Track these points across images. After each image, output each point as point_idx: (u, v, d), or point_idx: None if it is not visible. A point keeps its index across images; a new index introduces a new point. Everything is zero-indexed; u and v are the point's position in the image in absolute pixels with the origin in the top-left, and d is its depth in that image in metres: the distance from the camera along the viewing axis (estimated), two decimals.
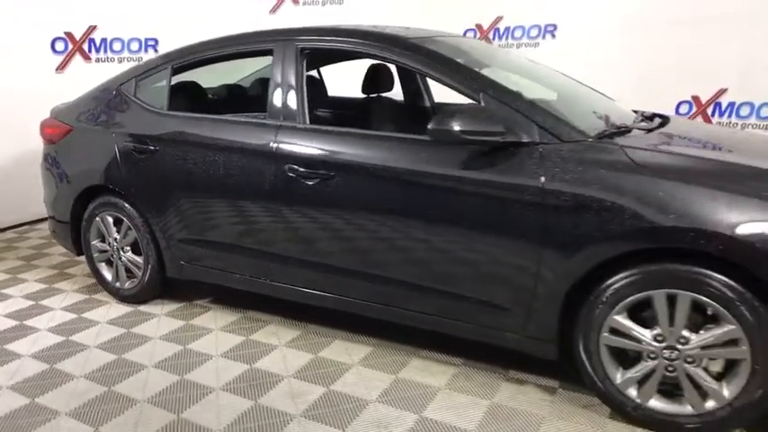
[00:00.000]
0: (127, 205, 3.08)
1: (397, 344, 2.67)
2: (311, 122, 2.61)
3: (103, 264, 3.33)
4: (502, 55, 3.12)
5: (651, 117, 2.76)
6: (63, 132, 3.30)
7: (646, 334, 2.00)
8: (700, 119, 5.37)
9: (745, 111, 5.20)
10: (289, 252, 2.65)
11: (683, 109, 5.53)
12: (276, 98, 2.64)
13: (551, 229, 2.05)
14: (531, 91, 2.48)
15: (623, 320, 2.02)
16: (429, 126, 2.09)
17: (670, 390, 2.03)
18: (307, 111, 2.61)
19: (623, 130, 2.27)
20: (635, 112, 2.94)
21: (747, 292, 1.81)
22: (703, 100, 5.38)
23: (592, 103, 2.77)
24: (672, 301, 1.93)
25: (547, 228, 2.05)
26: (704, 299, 1.87)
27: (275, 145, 2.57)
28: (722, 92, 5.28)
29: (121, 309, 3.22)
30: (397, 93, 3.69)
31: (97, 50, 5.29)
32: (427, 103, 3.66)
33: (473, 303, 2.27)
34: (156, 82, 3.07)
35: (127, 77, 3.16)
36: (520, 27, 6.34)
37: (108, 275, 3.31)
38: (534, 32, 6.28)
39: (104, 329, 2.97)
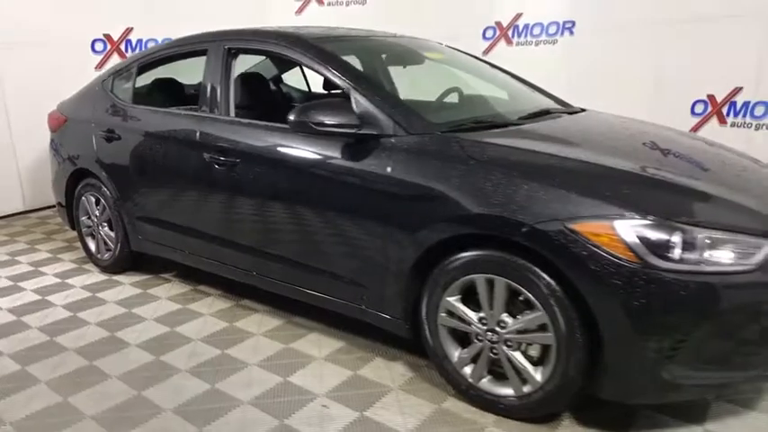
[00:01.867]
0: (102, 187, 3.53)
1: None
2: (241, 116, 2.88)
3: (89, 237, 3.82)
4: (432, 52, 3.24)
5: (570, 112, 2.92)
6: (61, 122, 3.83)
7: (473, 317, 2.11)
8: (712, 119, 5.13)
9: (759, 110, 4.93)
10: (211, 230, 2.97)
11: (699, 108, 5.30)
12: (206, 92, 2.97)
13: (395, 215, 2.21)
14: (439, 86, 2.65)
15: (455, 302, 2.14)
16: (289, 117, 2.31)
17: (502, 372, 2.13)
18: (232, 103, 2.91)
19: (487, 124, 2.37)
20: (565, 105, 3.01)
21: (552, 280, 1.88)
22: (719, 99, 5.13)
23: (502, 99, 2.86)
24: (492, 286, 2.03)
25: (392, 213, 2.22)
26: (515, 285, 1.97)
27: (198, 134, 2.89)
28: (737, 90, 5.01)
29: (99, 277, 3.69)
30: None
31: (132, 50, 5.90)
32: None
33: (341, 281, 2.47)
34: (126, 79, 3.50)
35: (108, 74, 3.63)
36: (539, 24, 6.31)
37: (93, 248, 3.80)
38: (553, 29, 6.24)
39: (76, 292, 3.44)
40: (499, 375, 2.13)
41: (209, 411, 2.22)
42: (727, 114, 5.14)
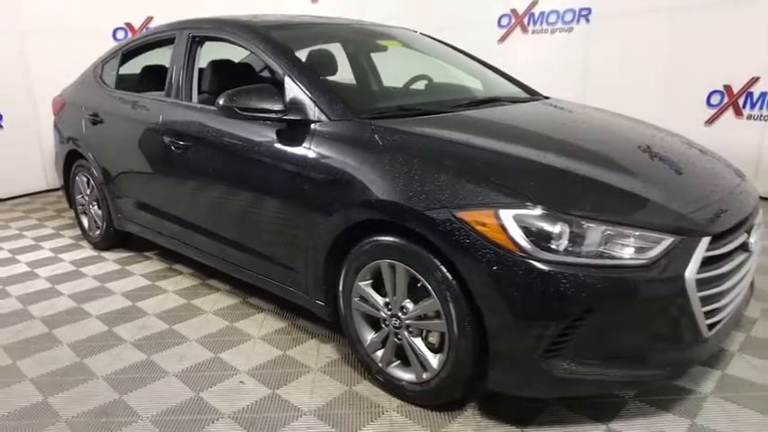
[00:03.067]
0: (90, 167, 3.73)
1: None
2: (209, 102, 2.95)
3: (83, 216, 4.05)
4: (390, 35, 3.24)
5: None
6: (60, 106, 4.06)
7: (380, 301, 2.13)
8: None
9: None
10: (171, 211, 3.10)
11: (715, 99, 5.04)
12: (171, 78, 3.08)
13: (314, 199, 2.25)
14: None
15: (366, 287, 2.16)
16: (217, 102, 2.37)
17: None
18: (195, 89, 3.01)
19: (414, 112, 2.37)
20: (533, 93, 3.03)
21: (444, 267, 1.87)
22: (735, 90, 4.86)
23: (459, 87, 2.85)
24: (395, 271, 2.04)
25: (311, 198, 2.26)
26: (413, 271, 1.97)
27: (161, 118, 3.01)
28: (754, 81, 4.74)
29: (88, 253, 3.91)
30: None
31: None
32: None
33: (273, 263, 2.54)
34: (112, 65, 3.67)
35: (99, 61, 3.82)
36: (554, 11, 6.15)
37: (86, 225, 4.03)
38: (569, 16, 6.08)
39: (62, 266, 3.67)
40: (407, 361, 2.14)
41: (135, 380, 2.34)
42: (744, 106, 4.86)
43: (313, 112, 2.31)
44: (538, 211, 1.74)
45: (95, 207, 3.86)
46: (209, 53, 3.12)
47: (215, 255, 2.90)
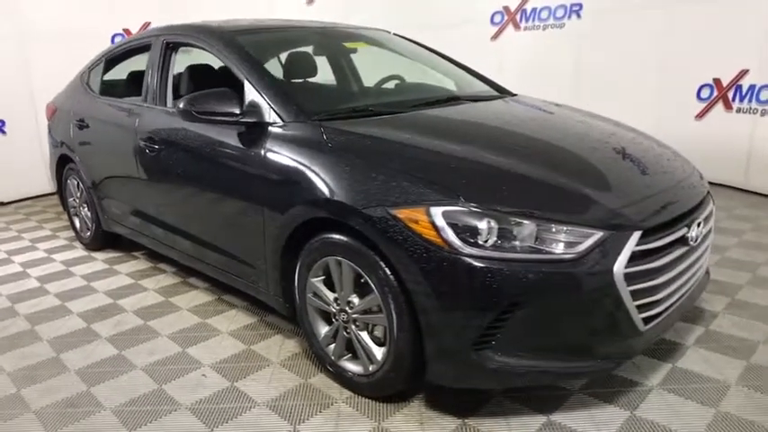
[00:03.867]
0: (79, 171, 3.87)
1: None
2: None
3: (76, 218, 4.19)
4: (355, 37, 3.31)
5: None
6: (53, 112, 4.20)
7: (330, 297, 2.20)
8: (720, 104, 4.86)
9: (765, 95, 4.59)
10: (148, 211, 3.21)
11: (705, 93, 5.02)
12: (147, 83, 3.19)
13: (269, 199, 2.33)
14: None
15: (317, 283, 2.24)
16: (177, 105, 2.46)
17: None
18: (170, 94, 3.12)
19: (367, 113, 2.43)
20: (502, 91, 3.08)
21: (383, 263, 1.94)
22: (724, 83, 4.83)
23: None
24: (342, 267, 2.11)
25: (267, 197, 2.34)
26: (357, 268, 2.04)
27: (137, 122, 3.12)
28: (743, 73, 4.71)
29: (80, 253, 4.05)
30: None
31: None
32: None
33: (236, 260, 2.63)
34: (96, 72, 3.80)
35: (85, 68, 3.94)
36: (546, 7, 6.16)
37: (78, 226, 4.17)
38: (560, 12, 6.10)
39: (53, 266, 3.81)
40: (357, 354, 2.21)
41: (104, 374, 2.45)
42: (733, 99, 4.83)
43: (269, 114, 2.39)
44: (466, 207, 1.79)
45: (85, 209, 3.99)
46: (197, 58, 3.22)
47: (189, 254, 3.00)
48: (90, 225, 3.96)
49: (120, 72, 3.82)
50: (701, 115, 5.12)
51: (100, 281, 3.51)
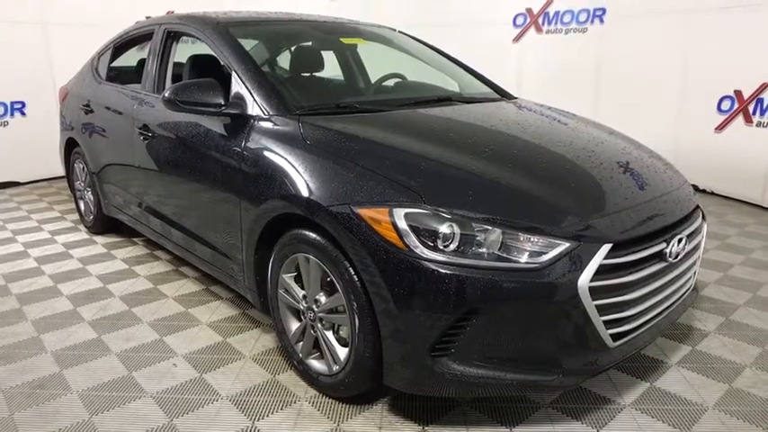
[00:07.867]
0: (84, 154, 3.93)
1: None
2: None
3: (81, 201, 4.26)
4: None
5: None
6: (64, 95, 4.28)
7: (299, 294, 2.18)
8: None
9: None
10: (142, 198, 3.24)
11: (725, 105, 4.85)
12: (147, 71, 3.22)
13: (246, 192, 2.31)
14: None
15: (288, 279, 2.22)
16: (163, 95, 2.47)
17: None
18: (168, 82, 3.13)
19: (351, 110, 2.40)
20: (503, 94, 3.05)
21: (347, 262, 1.91)
22: (745, 95, 4.66)
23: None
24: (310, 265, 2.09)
25: (242, 189, 2.33)
26: (323, 265, 2.01)
27: (135, 109, 3.15)
28: (765, 86, 4.54)
29: (82, 236, 4.12)
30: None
31: None
32: None
33: (217, 252, 2.63)
34: (105, 58, 3.85)
35: (96, 53, 4.00)
36: (569, 11, 6.04)
37: (83, 210, 4.24)
38: (583, 17, 5.97)
39: (54, 248, 3.88)
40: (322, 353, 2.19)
41: (79, 357, 2.47)
42: (753, 113, 4.66)
43: (252, 106, 2.38)
44: (429, 210, 1.75)
45: (89, 193, 4.05)
46: (201, 48, 3.22)
47: (180, 245, 3.02)
48: (93, 209, 4.02)
49: (126, 59, 3.87)
50: (720, 128, 4.95)
51: (95, 264, 3.56)
